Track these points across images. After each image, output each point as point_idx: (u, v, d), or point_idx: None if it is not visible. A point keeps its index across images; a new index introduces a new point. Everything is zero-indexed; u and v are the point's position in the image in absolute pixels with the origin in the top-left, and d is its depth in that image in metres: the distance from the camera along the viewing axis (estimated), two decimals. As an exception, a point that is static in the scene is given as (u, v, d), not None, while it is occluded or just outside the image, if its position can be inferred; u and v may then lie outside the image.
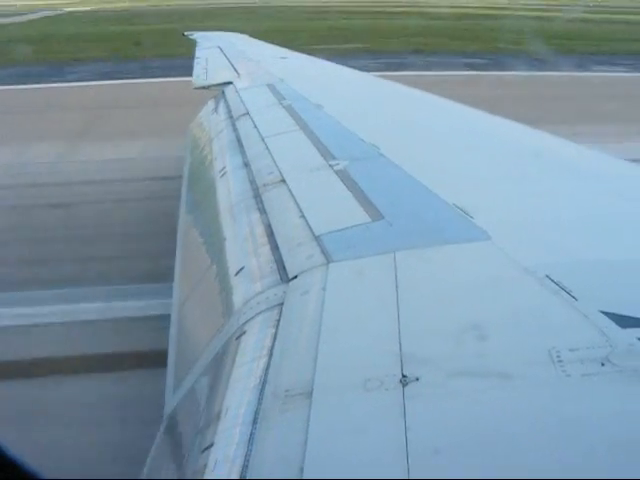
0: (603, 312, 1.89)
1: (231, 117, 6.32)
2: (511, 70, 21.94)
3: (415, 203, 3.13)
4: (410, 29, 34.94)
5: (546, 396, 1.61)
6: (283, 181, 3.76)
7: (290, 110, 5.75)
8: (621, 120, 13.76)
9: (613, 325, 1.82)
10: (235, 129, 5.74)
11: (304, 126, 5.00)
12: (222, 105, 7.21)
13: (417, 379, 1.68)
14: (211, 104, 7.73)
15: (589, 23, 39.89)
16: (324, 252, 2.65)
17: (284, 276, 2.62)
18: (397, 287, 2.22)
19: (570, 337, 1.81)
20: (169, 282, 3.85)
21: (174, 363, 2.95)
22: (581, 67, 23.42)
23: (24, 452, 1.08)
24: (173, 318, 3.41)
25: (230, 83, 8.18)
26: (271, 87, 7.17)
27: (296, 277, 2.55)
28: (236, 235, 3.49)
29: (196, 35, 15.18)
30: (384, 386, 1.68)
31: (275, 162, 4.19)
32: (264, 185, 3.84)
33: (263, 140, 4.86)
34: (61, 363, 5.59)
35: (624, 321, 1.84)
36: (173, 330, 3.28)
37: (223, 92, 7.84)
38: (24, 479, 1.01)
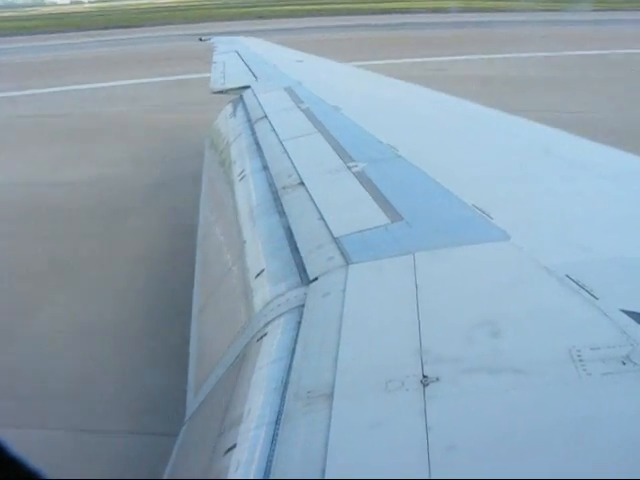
0: (624, 311, 1.89)
1: (249, 121, 6.35)
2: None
3: (434, 204, 3.13)
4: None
5: (567, 395, 1.61)
6: (302, 184, 3.78)
7: (308, 113, 5.77)
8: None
9: (634, 324, 1.82)
10: (253, 132, 5.77)
11: (322, 128, 5.02)
12: (240, 109, 7.25)
13: (438, 379, 1.69)
14: (229, 108, 7.77)
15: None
16: (344, 254, 2.66)
17: (304, 278, 2.63)
18: (417, 288, 2.22)
19: (591, 336, 1.81)
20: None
21: (195, 365, 2.97)
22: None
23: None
24: (194, 320, 3.44)
25: (248, 87, 8.22)
26: (288, 90, 7.19)
27: (316, 279, 2.56)
28: (256, 238, 3.51)
29: (213, 40, 15.23)
30: (405, 387, 1.69)
31: (294, 165, 4.21)
32: (283, 188, 3.86)
33: (281, 143, 4.88)
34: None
35: None
36: (194, 332, 3.31)
37: (241, 96, 7.87)
38: (25, 478, 1.02)
